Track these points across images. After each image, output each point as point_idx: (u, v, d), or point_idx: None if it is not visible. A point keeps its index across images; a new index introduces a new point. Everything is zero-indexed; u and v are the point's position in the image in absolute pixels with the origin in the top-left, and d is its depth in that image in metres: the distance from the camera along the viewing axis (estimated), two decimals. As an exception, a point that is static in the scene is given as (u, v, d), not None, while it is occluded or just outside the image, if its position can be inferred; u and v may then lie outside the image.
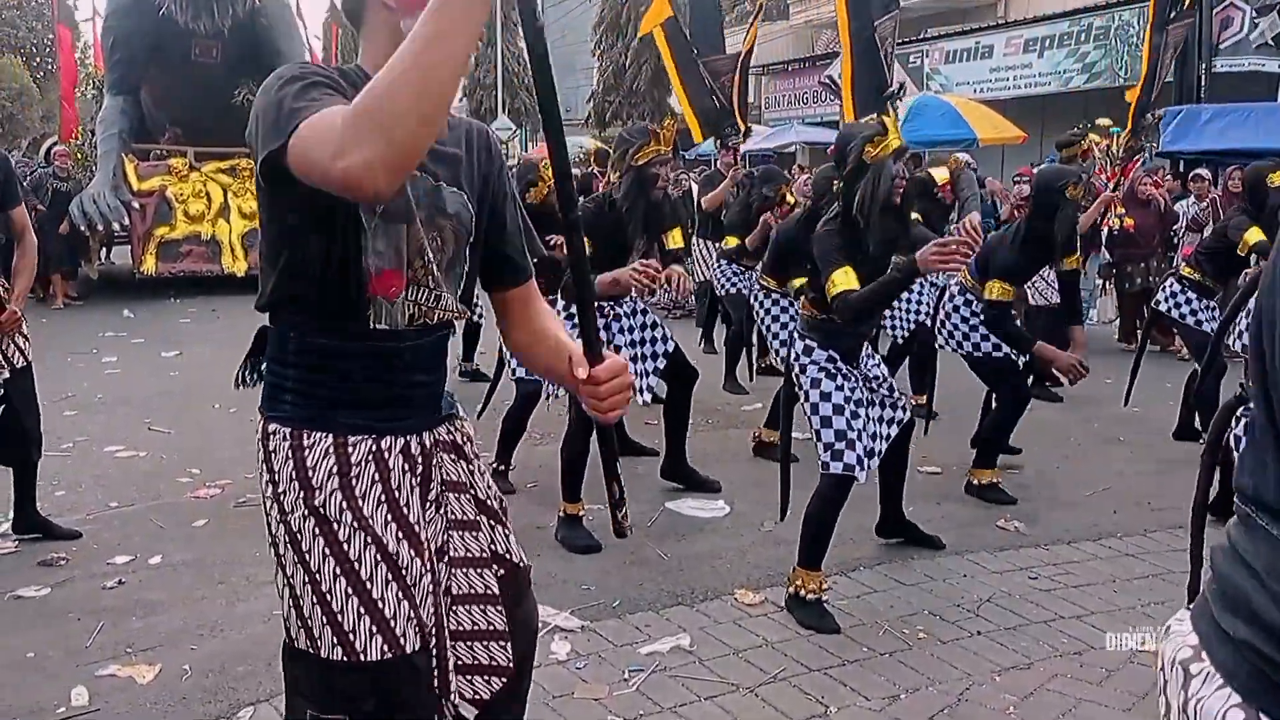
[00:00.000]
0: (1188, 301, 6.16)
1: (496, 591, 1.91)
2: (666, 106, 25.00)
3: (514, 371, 5.09)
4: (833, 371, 3.91)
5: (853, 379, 3.95)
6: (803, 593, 3.80)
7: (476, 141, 1.88)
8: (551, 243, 4.89)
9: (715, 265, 7.91)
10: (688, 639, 3.60)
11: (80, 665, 3.39)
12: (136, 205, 13.45)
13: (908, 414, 4.19)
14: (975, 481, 5.27)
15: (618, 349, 4.73)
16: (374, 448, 1.75)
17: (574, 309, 4.65)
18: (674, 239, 5.07)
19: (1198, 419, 6.18)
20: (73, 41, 20.14)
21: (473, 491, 1.91)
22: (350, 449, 1.74)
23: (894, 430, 4.11)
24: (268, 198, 1.69)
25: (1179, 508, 5.10)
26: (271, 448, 1.75)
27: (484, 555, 1.91)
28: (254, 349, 1.86)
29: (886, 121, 3.97)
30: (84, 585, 4.07)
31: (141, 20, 13.43)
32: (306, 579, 1.72)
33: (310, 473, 1.72)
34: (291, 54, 14.70)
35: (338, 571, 1.71)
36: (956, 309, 5.47)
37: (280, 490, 1.74)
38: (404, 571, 1.73)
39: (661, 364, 4.95)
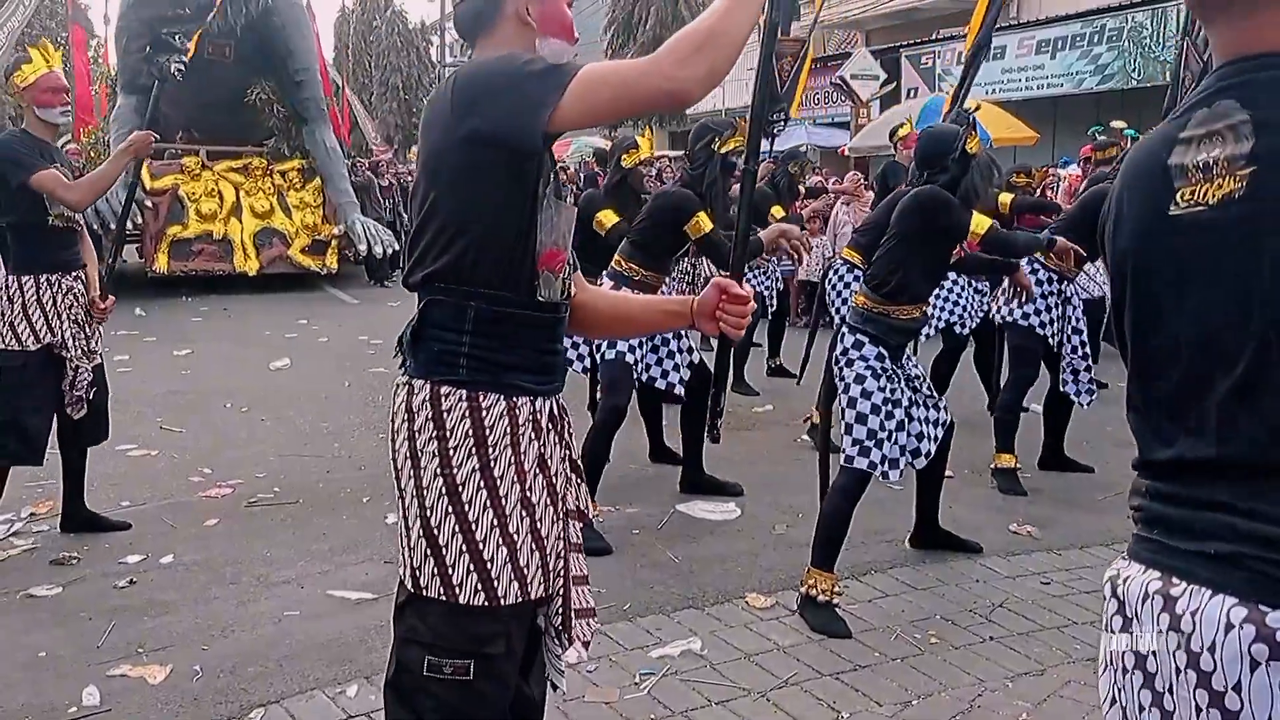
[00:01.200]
0: None
1: (581, 541, 2.09)
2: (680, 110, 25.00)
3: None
4: (879, 370, 3.94)
5: (896, 379, 3.98)
6: (815, 594, 3.79)
7: None
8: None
9: None
10: (699, 643, 3.59)
11: (92, 665, 3.39)
12: (149, 204, 13.50)
13: (949, 415, 4.21)
14: (994, 465, 5.43)
15: (632, 349, 4.79)
16: (532, 410, 1.94)
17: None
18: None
19: None
20: (86, 40, 20.20)
21: (569, 451, 2.07)
22: (518, 410, 1.92)
23: (939, 431, 4.12)
24: (476, 171, 1.84)
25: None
26: (445, 408, 1.89)
27: (576, 508, 2.07)
28: (421, 320, 1.95)
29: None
30: (96, 584, 4.08)
31: (155, 15, 13.45)
32: (459, 527, 1.88)
33: (488, 432, 1.89)
34: (303, 53, 14.74)
35: (493, 522, 1.89)
36: (1038, 284, 5.52)
37: (452, 445, 1.88)
38: (539, 524, 1.93)
39: (686, 374, 5.00)
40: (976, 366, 7.09)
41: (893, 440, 3.91)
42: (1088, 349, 5.56)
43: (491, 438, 1.89)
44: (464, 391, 1.89)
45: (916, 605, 3.99)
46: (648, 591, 4.07)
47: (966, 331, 6.70)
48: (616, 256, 4.90)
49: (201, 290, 13.52)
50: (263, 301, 13.04)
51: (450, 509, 1.89)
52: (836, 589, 3.82)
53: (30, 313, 4.28)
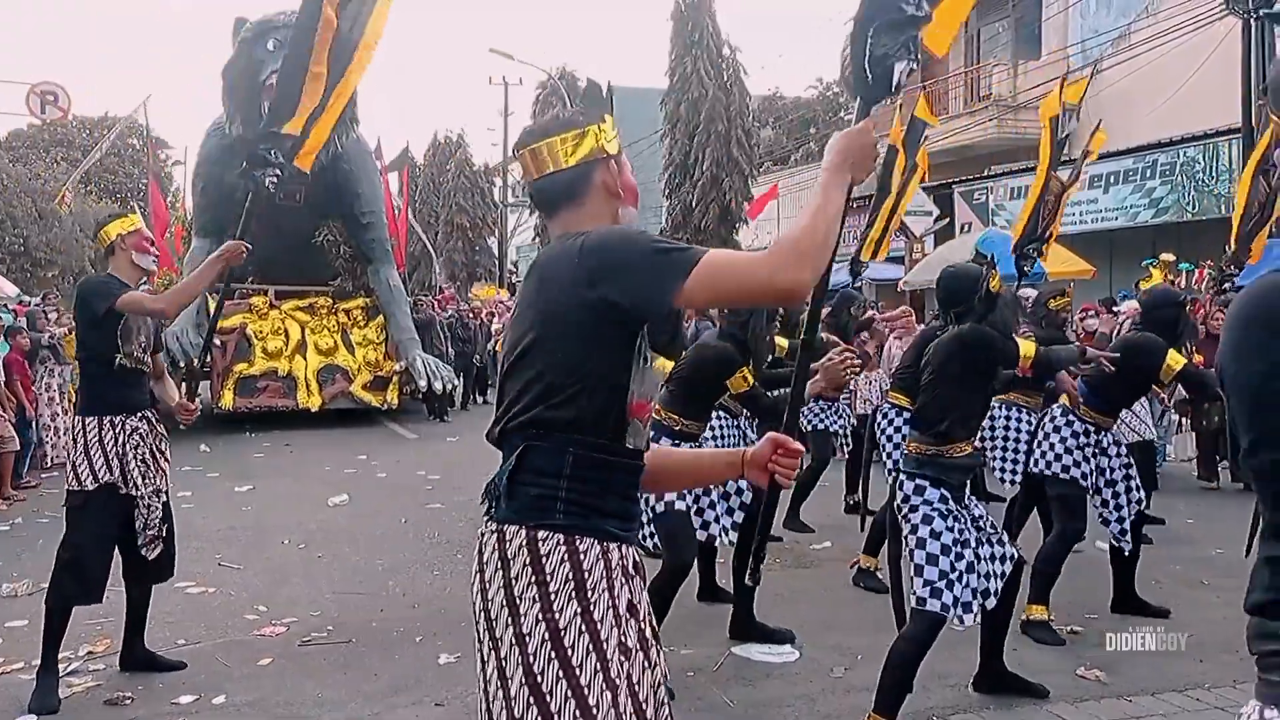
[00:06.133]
0: None
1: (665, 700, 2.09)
2: (733, 243, 25.42)
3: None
4: (944, 511, 3.91)
5: (962, 519, 3.95)
6: (876, 743, 3.67)
7: None
8: None
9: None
10: (754, 792, 3.47)
11: (140, 809, 3.36)
12: (217, 342, 13.90)
13: (1017, 553, 4.14)
14: (1025, 617, 5.10)
15: (680, 496, 4.70)
16: (620, 555, 2.00)
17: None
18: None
19: None
20: (162, 189, 21.17)
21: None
22: (610, 554, 1.97)
23: (1007, 568, 4.05)
24: (596, 331, 1.95)
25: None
26: (544, 552, 1.93)
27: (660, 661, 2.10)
28: (518, 465, 1.99)
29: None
30: (148, 725, 4.07)
31: (230, 167, 14.04)
32: (562, 672, 1.88)
33: (586, 575, 1.93)
34: (370, 196, 15.28)
35: (596, 667, 1.90)
36: (1057, 429, 5.43)
37: (553, 589, 1.91)
38: (633, 670, 1.96)
39: (739, 517, 4.87)
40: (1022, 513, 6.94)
41: (964, 582, 3.84)
42: (1123, 499, 5.38)
43: (590, 581, 1.93)
44: (561, 535, 1.94)
45: (981, 755, 3.84)
46: (702, 737, 3.97)
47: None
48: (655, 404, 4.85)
49: (265, 426, 13.76)
50: (324, 437, 13.24)
51: (554, 654, 1.89)
52: (897, 737, 3.70)
53: (91, 453, 4.38)
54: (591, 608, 1.91)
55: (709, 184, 25.64)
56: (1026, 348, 4.52)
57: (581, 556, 1.93)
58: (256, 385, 14.10)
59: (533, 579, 1.92)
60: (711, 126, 25.45)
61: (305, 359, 14.46)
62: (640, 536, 2.18)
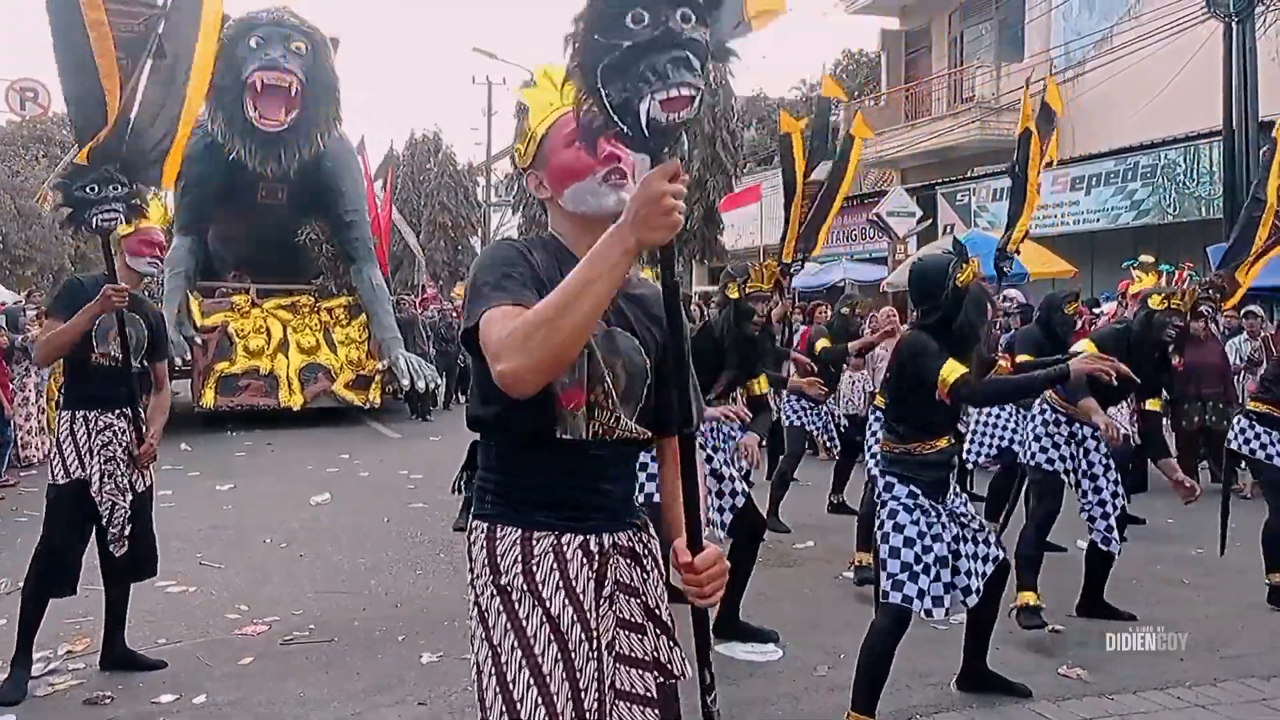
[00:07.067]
0: (1257, 436, 6.02)
1: (654, 695, 2.03)
2: (718, 245, 25.43)
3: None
4: (910, 506, 3.92)
5: (933, 514, 3.94)
6: (857, 742, 3.68)
7: (655, 307, 2.08)
8: None
9: (785, 399, 7.98)
10: (738, 791, 3.47)
11: (120, 809, 3.34)
12: (199, 341, 13.83)
13: (1003, 553, 4.14)
14: (1014, 605, 5.13)
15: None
16: (555, 543, 1.98)
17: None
18: (760, 384, 5.25)
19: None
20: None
21: (643, 598, 2.06)
22: (534, 542, 1.98)
23: (990, 568, 4.05)
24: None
25: (1250, 655, 4.90)
26: (472, 539, 2.04)
27: (646, 659, 2.03)
28: (468, 462, 2.15)
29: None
30: (128, 725, 4.04)
31: (212, 165, 13.94)
32: (489, 652, 1.96)
33: (500, 559, 1.98)
34: (353, 195, 15.22)
35: (515, 643, 1.93)
36: (1032, 417, 5.56)
37: (476, 574, 2.01)
38: (573, 652, 1.94)
39: (728, 518, 4.93)
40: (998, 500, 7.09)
41: (933, 576, 3.84)
42: (1105, 495, 5.39)
43: (504, 564, 1.98)
44: (485, 524, 2.02)
45: (964, 753, 3.85)
46: (685, 736, 3.95)
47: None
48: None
49: (246, 425, 13.69)
50: (306, 436, 13.18)
51: (481, 634, 1.97)
52: (879, 734, 3.70)
53: (64, 447, 4.37)
54: (508, 588, 1.96)
55: (694, 184, 25.62)
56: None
57: (497, 543, 1.99)
58: (238, 384, 14.02)
59: (468, 565, 2.04)
60: (697, 127, 25.45)
61: (287, 358, 14.39)
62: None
